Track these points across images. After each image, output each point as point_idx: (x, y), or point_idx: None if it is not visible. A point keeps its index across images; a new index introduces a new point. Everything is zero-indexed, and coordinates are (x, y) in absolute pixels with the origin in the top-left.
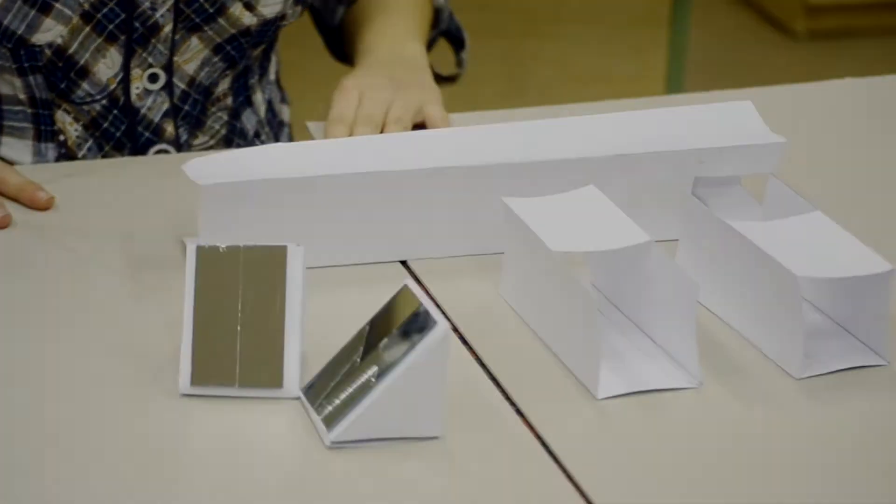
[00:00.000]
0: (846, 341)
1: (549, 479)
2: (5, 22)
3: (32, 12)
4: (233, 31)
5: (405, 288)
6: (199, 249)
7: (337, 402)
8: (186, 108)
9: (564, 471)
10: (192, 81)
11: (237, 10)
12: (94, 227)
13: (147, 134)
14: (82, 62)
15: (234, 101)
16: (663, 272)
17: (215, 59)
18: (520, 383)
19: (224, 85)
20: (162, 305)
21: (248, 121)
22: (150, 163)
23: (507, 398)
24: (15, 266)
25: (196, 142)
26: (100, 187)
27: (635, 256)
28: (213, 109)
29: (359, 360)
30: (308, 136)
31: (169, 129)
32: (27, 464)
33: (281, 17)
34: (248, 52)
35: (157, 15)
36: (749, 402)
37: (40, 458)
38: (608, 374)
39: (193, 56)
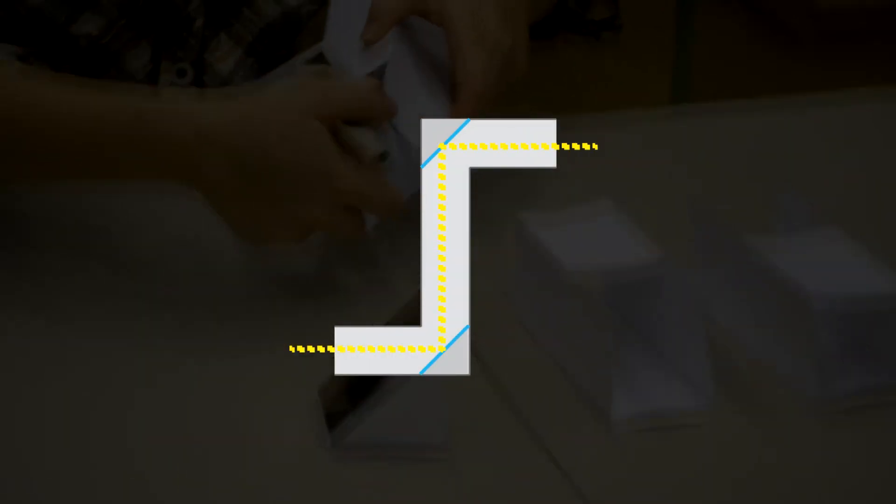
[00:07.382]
0: (863, 361)
1: (558, 493)
2: (47, 13)
3: (76, 3)
4: (260, 25)
5: (419, 293)
6: None
7: (345, 405)
8: None
9: (574, 486)
10: (224, 84)
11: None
12: (118, 215)
13: None
14: (114, 53)
15: None
16: (676, 291)
17: (248, 60)
18: (531, 402)
19: None
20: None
21: None
22: None
23: (518, 415)
24: (32, 257)
25: None
26: None
27: (649, 274)
28: None
29: None
30: None
31: None
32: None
33: (299, 7)
34: (278, 55)
35: (190, 8)
36: (763, 423)
37: (42, 450)
38: (621, 394)
39: (226, 55)
